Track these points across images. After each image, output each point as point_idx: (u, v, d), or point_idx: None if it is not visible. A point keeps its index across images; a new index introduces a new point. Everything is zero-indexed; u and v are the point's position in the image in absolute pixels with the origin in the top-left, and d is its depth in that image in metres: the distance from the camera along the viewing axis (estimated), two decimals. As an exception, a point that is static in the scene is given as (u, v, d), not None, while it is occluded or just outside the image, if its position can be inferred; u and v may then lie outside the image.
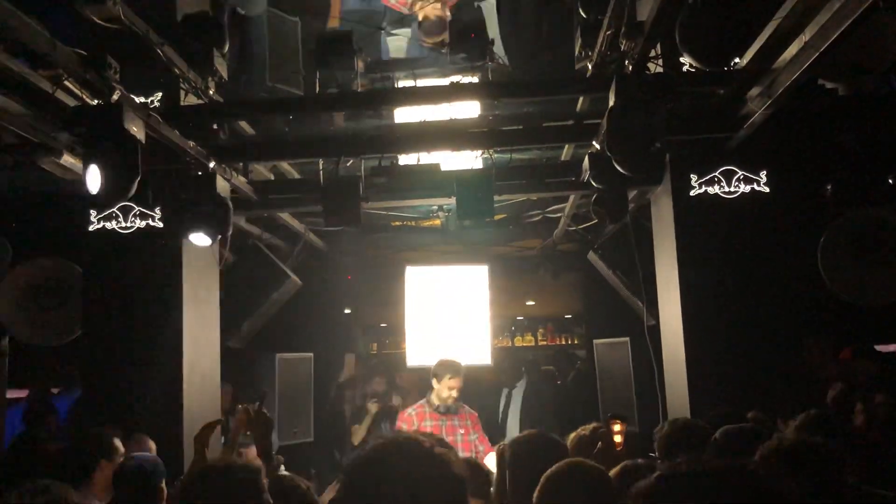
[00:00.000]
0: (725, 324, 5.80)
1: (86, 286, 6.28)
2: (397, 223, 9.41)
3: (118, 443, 4.51)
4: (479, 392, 9.21)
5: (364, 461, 1.83)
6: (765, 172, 5.82)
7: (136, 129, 4.48)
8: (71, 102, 4.79)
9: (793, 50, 4.38)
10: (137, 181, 4.41)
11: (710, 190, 5.85)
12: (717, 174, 5.85)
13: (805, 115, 5.50)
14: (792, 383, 5.55)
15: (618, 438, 3.92)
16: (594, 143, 5.56)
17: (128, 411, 5.76)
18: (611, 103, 4.60)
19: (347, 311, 10.74)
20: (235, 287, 7.47)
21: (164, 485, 4.11)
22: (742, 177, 5.84)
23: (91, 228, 6.15)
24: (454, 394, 6.25)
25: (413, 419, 6.24)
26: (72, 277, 6.92)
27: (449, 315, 8.31)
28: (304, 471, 6.08)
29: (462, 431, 6.26)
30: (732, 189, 5.83)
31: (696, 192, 5.86)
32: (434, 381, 6.28)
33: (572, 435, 4.21)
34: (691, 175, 5.87)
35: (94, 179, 4.43)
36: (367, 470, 1.81)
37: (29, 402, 7.11)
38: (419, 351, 8.21)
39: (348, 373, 9.76)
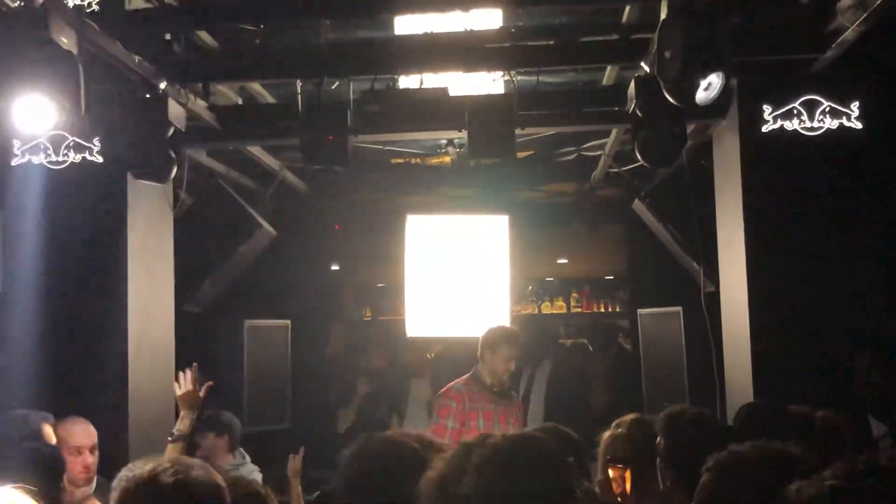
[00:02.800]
0: (802, 292, 5.77)
1: (7, 234, 6.29)
2: (397, 160, 9.38)
3: (48, 429, 4.55)
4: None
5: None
6: (857, 104, 5.74)
7: (67, 41, 4.45)
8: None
9: (896, -51, 4.29)
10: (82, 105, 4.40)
11: (788, 125, 5.78)
12: (796, 105, 5.77)
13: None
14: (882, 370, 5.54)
15: (615, 486, 3.98)
16: (643, 64, 5.48)
17: (60, 390, 5.80)
18: (662, 14, 4.53)
19: (335, 267, 10.77)
20: (194, 237, 7.48)
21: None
22: (828, 109, 5.76)
23: (14, 163, 6.15)
24: (512, 367, 6.34)
25: (464, 398, 6.25)
26: (-9, 223, 6.94)
27: (459, 275, 8.31)
28: (279, 466, 6.13)
29: (512, 421, 6.33)
30: (816, 124, 5.75)
31: (770, 128, 5.80)
32: (486, 353, 6.32)
33: (605, 434, 4.24)
34: (764, 106, 5.80)
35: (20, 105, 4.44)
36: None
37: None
38: (422, 318, 8.24)
39: (335, 347, 9.82)
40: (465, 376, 6.46)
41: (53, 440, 4.58)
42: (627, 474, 3.98)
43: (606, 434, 4.29)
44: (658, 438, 3.97)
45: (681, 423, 3.94)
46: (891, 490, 1.63)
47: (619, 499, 3.94)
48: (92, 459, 4.86)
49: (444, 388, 6.47)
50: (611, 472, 4.00)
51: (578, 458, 3.76)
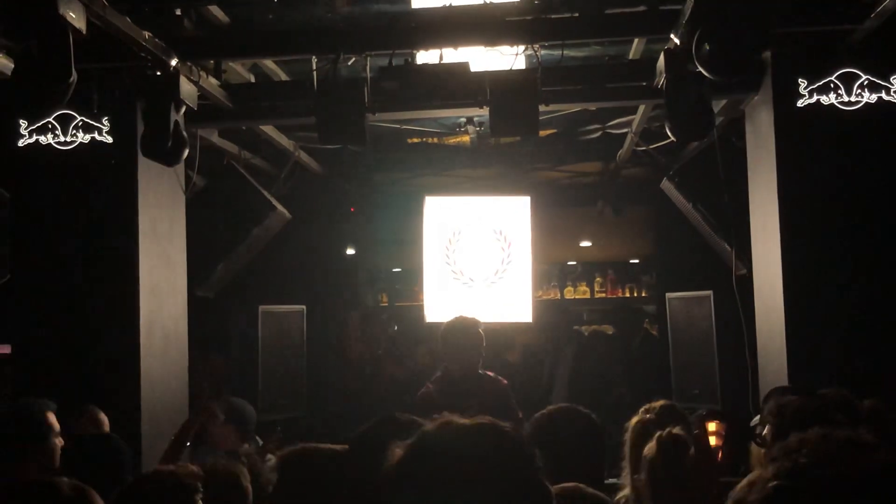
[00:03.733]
0: (839, 275, 5.73)
1: (15, 217, 6.31)
2: (414, 140, 9.35)
3: (53, 418, 4.55)
4: (517, 357, 9.27)
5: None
6: (897, 77, 5.69)
7: (75, 16, 4.43)
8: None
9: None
10: (71, 83, 4.37)
11: (824, 99, 5.73)
12: (833, 79, 5.72)
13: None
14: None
15: (713, 440, 3.90)
16: (672, 36, 5.43)
17: (70, 377, 5.82)
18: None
19: (350, 251, 10.76)
20: (206, 220, 7.49)
21: None
22: (866, 82, 5.71)
23: (21, 144, 6.16)
24: (475, 357, 6.24)
25: (434, 398, 6.18)
26: (-3, 206, 6.96)
27: (479, 259, 8.30)
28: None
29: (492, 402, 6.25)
30: (854, 98, 5.71)
31: (806, 103, 5.75)
32: (448, 347, 6.27)
33: (634, 420, 4.21)
34: (799, 80, 5.75)
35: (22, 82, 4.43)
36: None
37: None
38: (441, 304, 8.22)
39: (353, 337, 9.84)
40: (434, 376, 6.37)
41: (57, 428, 4.59)
42: (719, 427, 3.93)
43: (634, 420, 4.25)
44: (766, 428, 3.88)
45: (790, 411, 3.86)
46: (838, 484, 1.56)
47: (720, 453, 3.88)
48: None
49: (419, 394, 6.38)
50: (713, 426, 3.94)
51: (597, 440, 3.70)
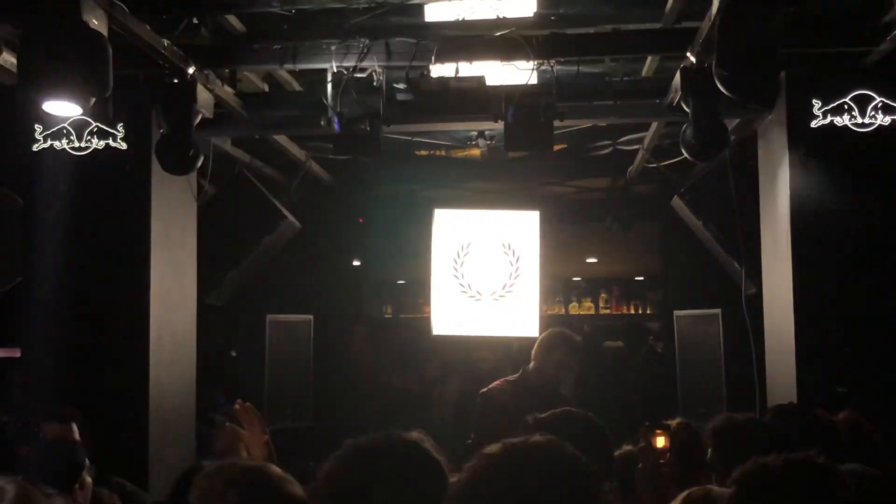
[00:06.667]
0: (851, 296, 5.72)
1: (28, 222, 6.31)
2: (423, 152, 9.35)
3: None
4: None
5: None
6: (911, 100, 5.70)
7: (97, 23, 4.45)
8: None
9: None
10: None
11: (838, 121, 5.73)
12: (847, 100, 5.72)
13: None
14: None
15: (660, 442, 3.94)
16: (688, 54, 5.45)
17: (80, 382, 5.81)
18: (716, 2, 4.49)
19: (357, 263, 10.77)
20: (217, 228, 7.49)
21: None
22: (881, 105, 5.70)
23: (36, 148, 6.16)
24: (563, 374, 6.40)
25: (507, 398, 6.16)
26: (10, 210, 6.96)
27: (487, 272, 8.29)
28: (300, 464, 6.12)
29: None
30: (868, 120, 5.70)
31: (819, 124, 5.75)
32: (541, 354, 6.34)
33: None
34: (813, 101, 5.75)
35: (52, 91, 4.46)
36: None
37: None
38: (447, 316, 8.22)
39: (356, 351, 9.85)
40: (511, 376, 6.41)
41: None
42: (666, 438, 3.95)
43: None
44: (709, 451, 3.90)
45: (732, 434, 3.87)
46: None
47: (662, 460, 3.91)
48: None
49: (487, 388, 6.41)
50: (660, 441, 3.94)
51: (604, 450, 3.70)
